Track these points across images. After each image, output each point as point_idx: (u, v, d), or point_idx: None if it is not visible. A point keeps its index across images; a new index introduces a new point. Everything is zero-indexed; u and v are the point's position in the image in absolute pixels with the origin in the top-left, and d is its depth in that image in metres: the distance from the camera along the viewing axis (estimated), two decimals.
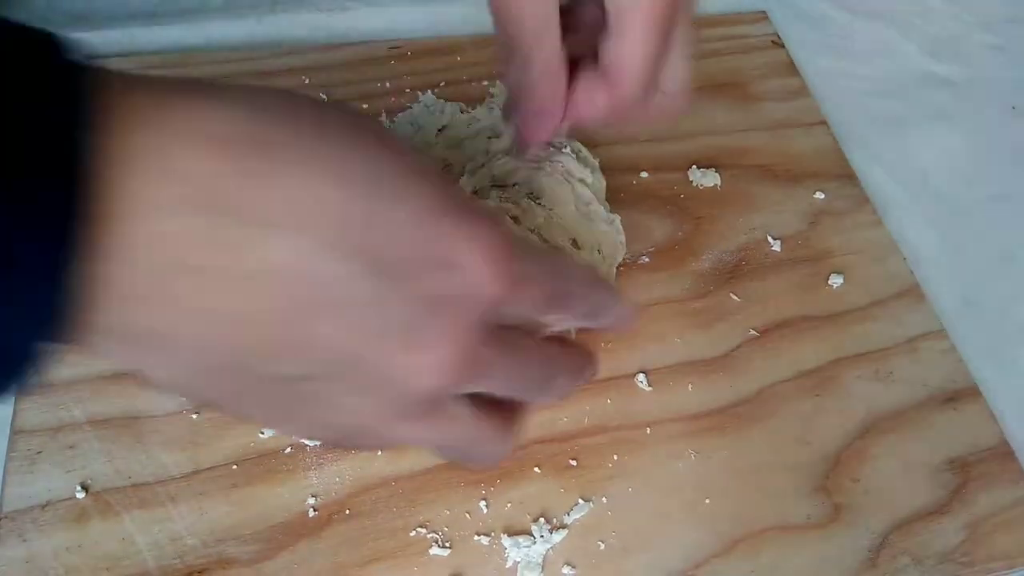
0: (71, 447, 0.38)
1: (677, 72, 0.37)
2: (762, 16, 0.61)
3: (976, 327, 0.48)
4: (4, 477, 0.37)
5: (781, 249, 0.49)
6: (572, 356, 0.31)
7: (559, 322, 0.30)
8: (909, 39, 0.63)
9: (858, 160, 0.54)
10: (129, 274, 0.21)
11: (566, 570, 0.38)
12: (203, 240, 0.21)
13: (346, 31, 0.56)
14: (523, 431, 0.31)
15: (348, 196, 0.23)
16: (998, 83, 0.62)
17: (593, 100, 0.36)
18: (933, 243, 0.52)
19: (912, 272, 0.49)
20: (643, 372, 0.43)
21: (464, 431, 0.28)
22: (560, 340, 0.31)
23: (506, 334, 0.27)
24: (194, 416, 0.39)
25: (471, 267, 0.25)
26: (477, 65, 0.54)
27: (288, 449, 0.39)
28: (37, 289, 0.19)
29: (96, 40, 0.53)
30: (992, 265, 0.52)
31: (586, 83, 0.36)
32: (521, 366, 0.29)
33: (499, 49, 0.36)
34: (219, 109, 0.22)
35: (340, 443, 0.30)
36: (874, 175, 0.54)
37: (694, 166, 0.51)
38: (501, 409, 0.29)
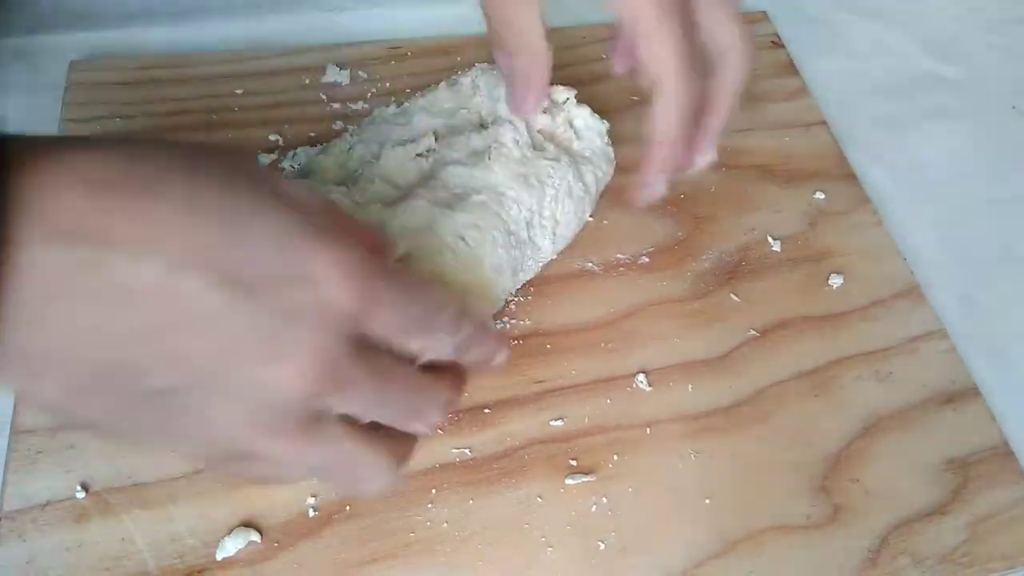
0: (71, 447, 0.38)
1: (720, 30, 0.39)
2: (762, 16, 0.61)
3: (976, 327, 0.48)
4: (4, 477, 0.37)
5: (781, 249, 0.49)
6: (441, 387, 0.32)
7: (427, 351, 0.31)
8: (909, 39, 0.63)
9: (858, 160, 0.54)
10: (13, 299, 0.23)
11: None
12: (74, 266, 0.24)
13: (346, 31, 0.56)
14: (407, 462, 0.32)
15: (206, 222, 0.26)
16: (998, 83, 0.62)
17: (658, 120, 0.39)
18: (933, 243, 0.52)
19: (912, 272, 0.49)
20: (643, 372, 0.43)
21: (341, 453, 0.30)
22: (433, 370, 0.32)
23: (373, 355, 0.29)
24: None
25: (325, 282, 0.27)
26: (468, 66, 0.54)
27: None
28: None
29: (96, 40, 0.53)
30: (992, 265, 0.52)
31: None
32: (386, 387, 0.30)
33: (491, 37, 0.42)
34: (98, 158, 0.25)
35: (224, 465, 0.30)
36: (874, 175, 0.54)
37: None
38: (382, 438, 0.31)
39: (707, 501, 0.40)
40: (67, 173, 0.25)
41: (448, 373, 0.33)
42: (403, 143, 0.42)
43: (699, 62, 0.38)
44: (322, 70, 0.53)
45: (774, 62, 0.58)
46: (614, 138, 0.52)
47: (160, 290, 0.25)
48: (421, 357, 0.31)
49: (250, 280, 0.26)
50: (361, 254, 0.28)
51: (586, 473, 0.40)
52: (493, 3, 0.41)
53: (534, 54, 0.43)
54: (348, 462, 0.30)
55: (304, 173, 0.42)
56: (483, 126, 0.44)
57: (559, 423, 0.41)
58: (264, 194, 0.27)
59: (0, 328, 0.24)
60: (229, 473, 0.33)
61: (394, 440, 0.31)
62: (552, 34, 0.56)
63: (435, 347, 0.31)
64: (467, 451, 0.40)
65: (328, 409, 0.29)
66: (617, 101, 0.54)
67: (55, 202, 0.24)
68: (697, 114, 0.39)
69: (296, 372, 0.27)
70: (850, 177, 0.53)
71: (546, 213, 0.42)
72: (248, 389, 0.27)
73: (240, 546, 0.36)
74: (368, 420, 0.30)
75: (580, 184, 0.44)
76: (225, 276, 0.26)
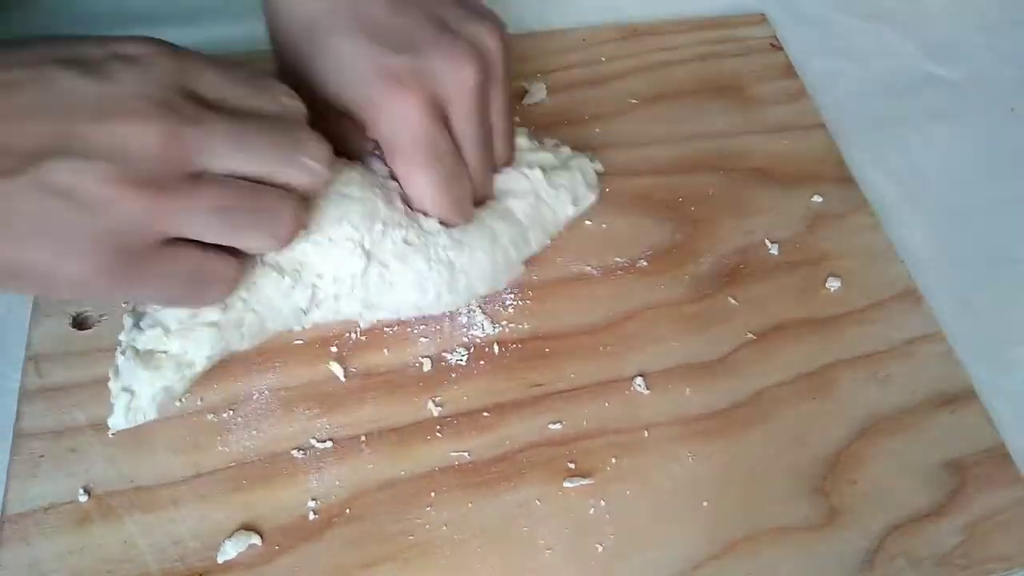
0: (73, 450, 0.38)
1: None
2: (761, 18, 0.61)
3: (973, 329, 0.48)
4: (7, 481, 0.37)
5: (779, 252, 0.49)
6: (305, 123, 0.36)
7: (259, 107, 0.34)
8: (908, 40, 0.63)
9: (857, 161, 0.54)
10: None
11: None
12: None
13: None
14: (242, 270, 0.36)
15: (47, 40, 0.31)
16: (998, 84, 0.62)
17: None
18: (931, 244, 0.52)
19: (910, 275, 0.49)
20: (641, 375, 0.43)
21: (231, 199, 0.32)
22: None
23: (216, 110, 0.32)
24: (196, 418, 0.40)
25: (150, 53, 0.32)
26: None
27: (294, 452, 0.39)
28: None
29: None
30: (990, 267, 0.52)
31: None
32: (247, 123, 0.33)
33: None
34: None
35: (144, 278, 0.32)
36: (873, 176, 0.54)
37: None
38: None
39: (705, 504, 0.40)
40: None
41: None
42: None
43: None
44: None
45: (773, 64, 0.58)
46: (613, 142, 0.52)
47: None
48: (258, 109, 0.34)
49: (77, 60, 0.30)
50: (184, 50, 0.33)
51: (584, 476, 0.40)
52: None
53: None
54: (238, 208, 0.33)
55: None
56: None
57: (557, 426, 0.42)
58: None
59: None
60: (153, 290, 0.33)
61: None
62: (552, 36, 0.57)
63: (265, 105, 0.34)
64: (465, 454, 0.40)
65: (193, 157, 0.31)
66: (616, 103, 0.54)
67: None
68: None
69: (143, 118, 0.30)
70: (848, 180, 0.53)
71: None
72: (105, 148, 0.30)
73: (241, 549, 0.37)
74: (236, 167, 0.33)
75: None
76: (55, 60, 0.30)
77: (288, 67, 0.40)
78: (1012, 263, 0.52)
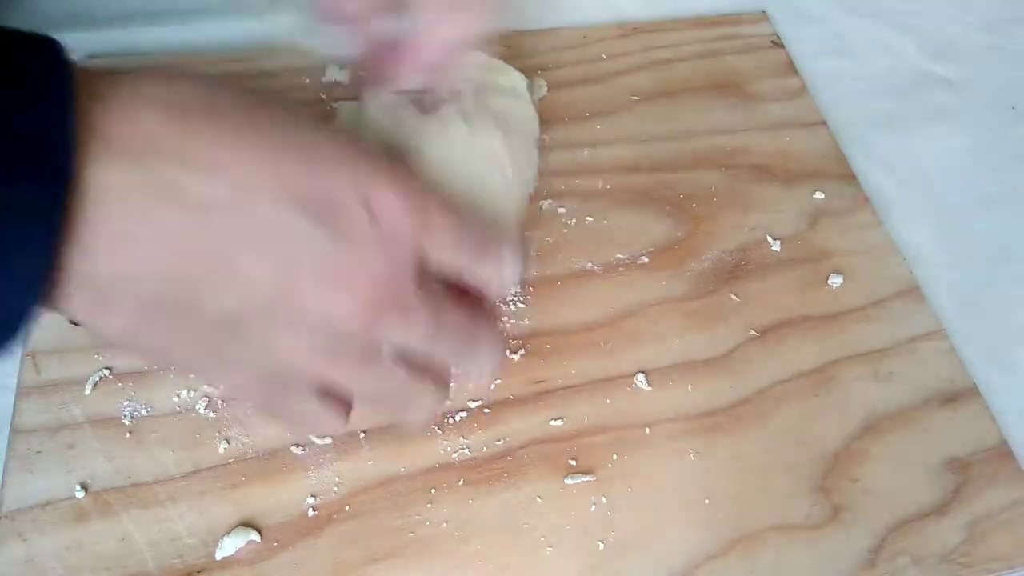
0: (71, 447, 0.38)
1: None
2: (762, 16, 0.61)
3: (975, 327, 0.48)
4: (4, 477, 0.37)
5: (781, 249, 0.49)
6: (493, 322, 0.33)
7: (482, 280, 0.32)
8: (908, 39, 0.63)
9: (858, 160, 0.54)
10: (82, 224, 0.24)
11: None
12: (144, 185, 0.25)
13: None
14: (449, 395, 0.34)
15: (275, 145, 0.27)
16: (998, 83, 0.62)
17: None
18: (932, 243, 0.52)
19: (911, 272, 0.49)
20: (642, 372, 0.43)
21: (395, 381, 0.30)
22: (483, 309, 0.33)
23: (432, 286, 0.30)
24: (194, 415, 0.39)
25: (388, 209, 0.28)
26: None
27: (294, 448, 0.39)
28: (32, 224, 0.23)
29: (96, 40, 0.53)
30: (991, 265, 0.52)
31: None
32: (445, 318, 0.30)
33: None
34: (171, 85, 0.26)
35: (275, 399, 0.30)
36: (874, 175, 0.54)
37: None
38: (431, 371, 0.32)
39: (706, 501, 0.40)
40: (141, 98, 0.25)
41: (490, 321, 0.33)
42: None
43: None
44: (322, 69, 0.53)
45: (774, 62, 0.58)
46: (614, 139, 0.52)
47: (229, 208, 0.26)
48: (477, 286, 0.32)
49: (315, 202, 0.27)
50: (418, 184, 0.29)
51: (586, 473, 0.40)
52: None
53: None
54: (400, 390, 0.31)
55: None
56: None
57: (559, 423, 0.41)
58: (326, 130, 0.29)
59: (68, 255, 0.24)
60: (274, 411, 0.32)
61: (438, 375, 0.32)
62: (552, 34, 0.57)
63: (488, 277, 0.32)
64: (467, 451, 0.40)
65: (386, 339, 0.29)
66: (617, 100, 0.54)
67: (130, 124, 0.25)
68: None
69: (360, 299, 0.27)
70: (850, 177, 0.53)
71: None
72: (311, 314, 0.27)
73: (239, 545, 0.36)
74: (421, 353, 0.31)
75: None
76: (293, 197, 0.26)
77: None
78: (1014, 261, 0.52)
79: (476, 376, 0.34)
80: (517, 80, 0.46)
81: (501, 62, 0.47)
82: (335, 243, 0.27)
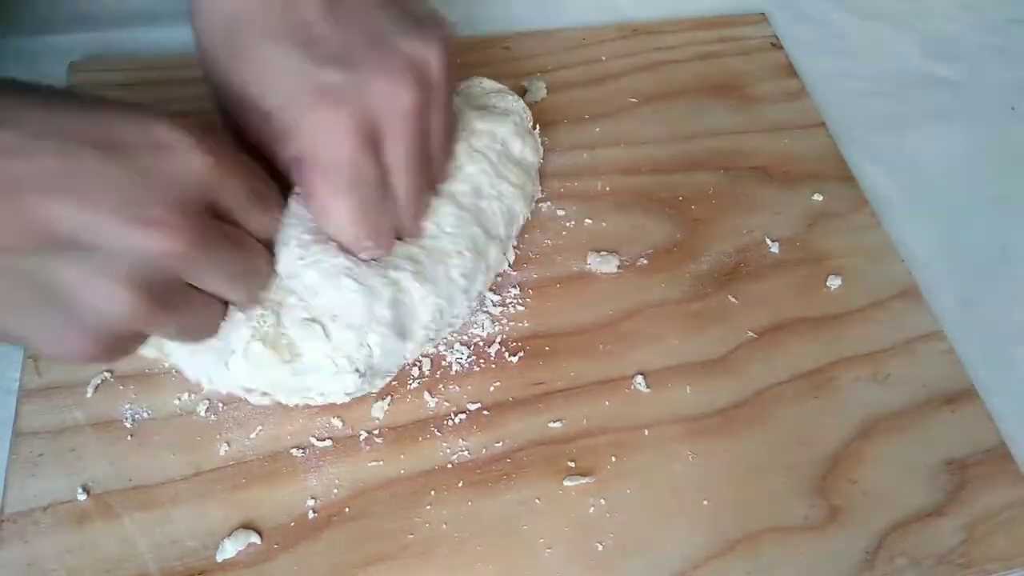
0: (73, 449, 0.38)
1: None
2: (761, 18, 0.61)
3: (975, 328, 0.48)
4: (6, 479, 0.37)
5: (779, 251, 0.49)
6: (264, 256, 0.36)
7: (262, 225, 0.36)
8: (909, 39, 0.63)
9: (858, 161, 0.54)
10: None
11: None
12: None
13: None
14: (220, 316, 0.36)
15: (72, 108, 0.30)
16: (998, 83, 0.62)
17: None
18: (932, 243, 0.52)
19: (910, 273, 0.49)
20: (641, 374, 0.43)
21: (193, 306, 0.34)
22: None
23: (226, 225, 0.33)
24: (195, 417, 0.40)
25: (182, 149, 0.30)
26: (468, 67, 0.54)
27: (294, 450, 0.39)
28: None
29: (96, 40, 0.53)
30: (991, 266, 0.52)
31: None
32: (235, 251, 0.34)
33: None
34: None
35: (104, 348, 0.32)
36: (874, 175, 0.54)
37: (591, 252, 0.47)
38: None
39: (705, 502, 0.40)
40: None
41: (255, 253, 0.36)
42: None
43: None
44: None
45: (773, 64, 0.58)
46: (613, 141, 0.52)
47: (25, 153, 0.28)
48: (256, 232, 0.35)
49: (108, 142, 0.29)
50: (210, 132, 0.32)
51: (584, 475, 0.40)
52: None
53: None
54: (195, 312, 0.34)
55: None
56: None
57: (557, 425, 0.41)
58: (131, 110, 0.31)
59: None
60: (114, 353, 0.33)
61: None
62: (551, 35, 0.57)
63: (265, 216, 0.36)
64: (466, 452, 0.40)
65: (184, 270, 0.31)
66: (616, 102, 0.54)
67: None
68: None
69: (165, 235, 0.29)
70: (849, 179, 0.53)
71: None
72: (117, 249, 0.29)
73: (240, 548, 0.36)
74: (206, 280, 0.33)
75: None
76: (84, 137, 0.29)
77: (210, 66, 0.37)
78: (1013, 261, 0.52)
79: (244, 298, 0.36)
80: (514, 106, 0.47)
81: (499, 86, 0.47)
82: (132, 177, 0.29)
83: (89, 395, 0.39)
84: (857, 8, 0.64)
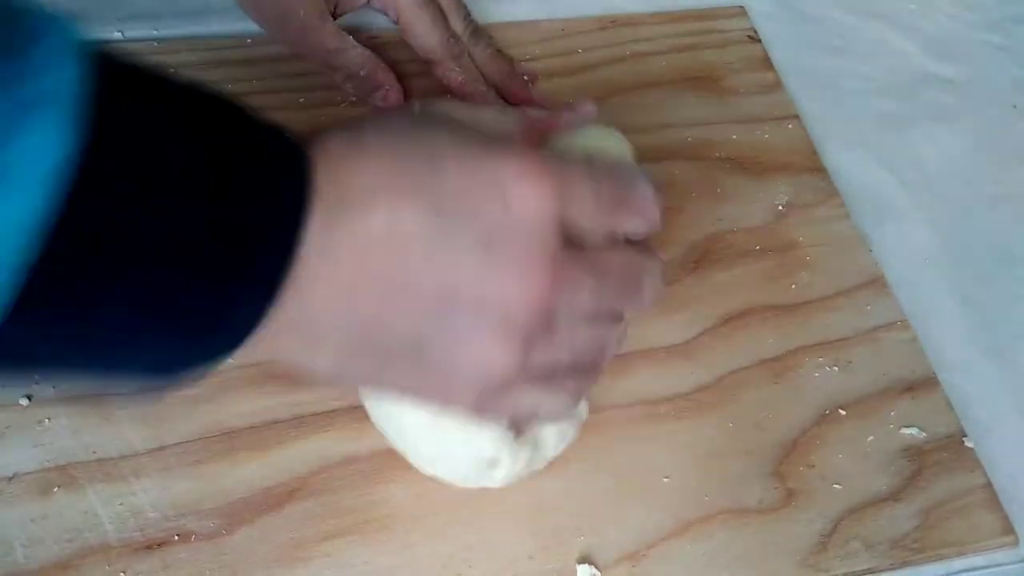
0: (39, 422, 0.39)
1: None
2: (739, 11, 0.61)
3: (975, 328, 0.48)
4: None
5: (748, 240, 0.49)
6: (647, 255, 0.33)
7: (624, 223, 0.32)
8: (909, 39, 0.63)
9: (857, 160, 0.55)
10: (320, 265, 0.26)
11: None
12: (327, 231, 0.26)
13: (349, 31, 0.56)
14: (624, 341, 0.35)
15: (410, 168, 0.28)
16: (999, 83, 0.61)
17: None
18: (933, 242, 0.52)
19: (877, 263, 0.49)
20: None
21: (583, 340, 0.31)
22: (632, 245, 0.33)
23: (583, 250, 0.30)
24: None
25: (518, 189, 0.28)
26: None
27: (257, 426, 0.40)
28: (257, 285, 0.25)
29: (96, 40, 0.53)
30: (992, 264, 0.52)
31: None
32: (606, 273, 0.31)
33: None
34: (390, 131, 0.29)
35: (492, 401, 0.31)
36: (874, 175, 0.54)
37: None
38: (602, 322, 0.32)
39: (664, 480, 0.41)
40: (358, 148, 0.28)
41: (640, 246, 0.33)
42: None
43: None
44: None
45: (749, 56, 0.58)
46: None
47: (389, 235, 0.27)
48: (621, 234, 0.32)
49: (452, 208, 0.27)
50: (540, 155, 0.29)
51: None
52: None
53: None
54: (590, 346, 0.32)
55: None
56: None
57: None
58: (457, 133, 0.30)
59: (285, 306, 0.25)
60: (502, 411, 0.33)
61: (612, 322, 0.33)
62: (530, 26, 0.58)
63: (628, 215, 0.32)
64: None
65: (559, 310, 0.30)
66: (593, 93, 0.55)
67: (347, 176, 0.27)
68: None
69: (524, 281, 0.28)
70: (820, 171, 0.53)
71: None
72: (486, 310, 0.28)
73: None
74: (593, 308, 0.31)
75: None
76: (431, 207, 0.27)
77: None
78: (1015, 261, 0.52)
79: (644, 306, 0.34)
80: (619, 146, 0.45)
81: (606, 129, 0.46)
82: (482, 239, 0.28)
83: None
84: (857, 7, 0.64)
